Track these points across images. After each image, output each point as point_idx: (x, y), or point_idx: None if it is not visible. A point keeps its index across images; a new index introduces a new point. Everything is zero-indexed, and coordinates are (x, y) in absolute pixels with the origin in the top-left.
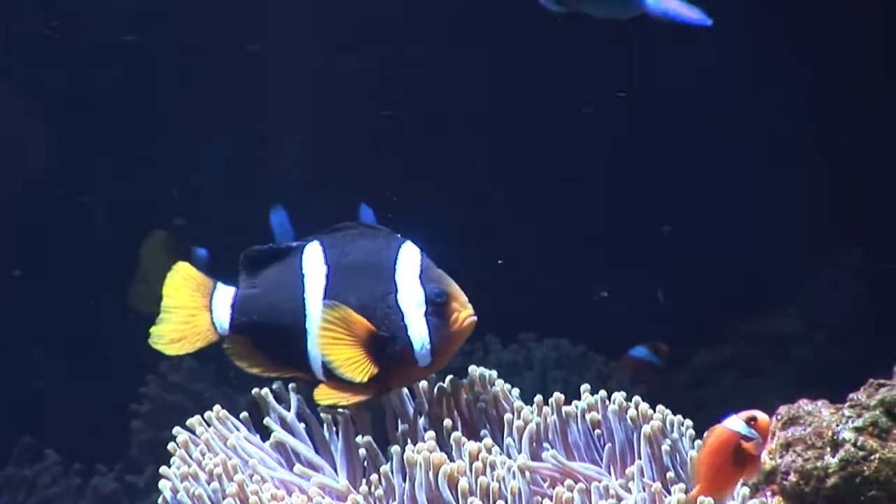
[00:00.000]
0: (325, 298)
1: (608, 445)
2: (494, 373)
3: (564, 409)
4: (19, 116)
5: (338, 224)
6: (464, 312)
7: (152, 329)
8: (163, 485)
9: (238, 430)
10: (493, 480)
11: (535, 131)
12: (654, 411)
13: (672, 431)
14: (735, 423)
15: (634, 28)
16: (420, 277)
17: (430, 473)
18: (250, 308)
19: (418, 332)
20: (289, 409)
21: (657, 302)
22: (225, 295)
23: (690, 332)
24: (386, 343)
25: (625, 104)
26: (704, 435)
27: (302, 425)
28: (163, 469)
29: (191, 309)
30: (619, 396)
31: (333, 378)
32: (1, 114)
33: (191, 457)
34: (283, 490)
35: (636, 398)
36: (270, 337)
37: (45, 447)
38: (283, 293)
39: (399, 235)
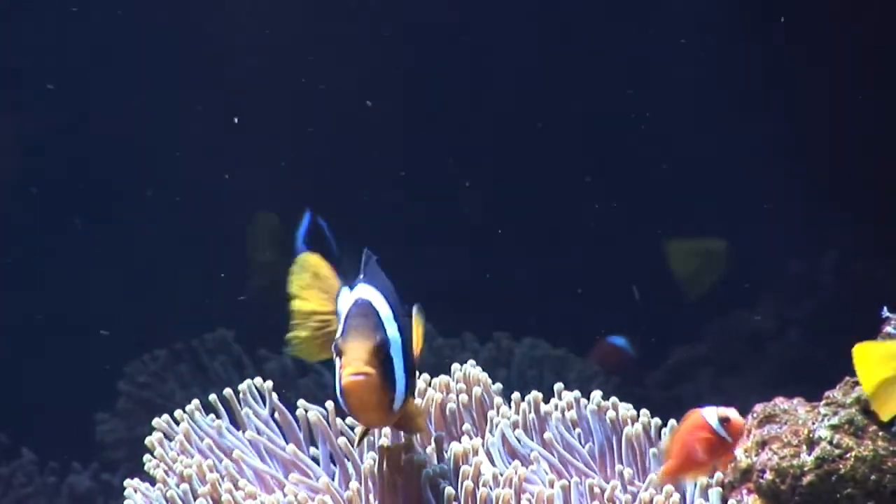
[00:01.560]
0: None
1: (587, 444)
2: (478, 370)
3: (542, 407)
4: None
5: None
6: (346, 369)
7: (290, 335)
8: (131, 483)
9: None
10: (480, 486)
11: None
12: (636, 412)
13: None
14: (711, 415)
15: None
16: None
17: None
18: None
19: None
20: (263, 406)
21: (633, 300)
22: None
23: (666, 329)
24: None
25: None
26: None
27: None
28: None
29: (324, 315)
30: (597, 395)
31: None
32: None
33: (167, 454)
34: (258, 487)
35: (613, 399)
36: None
37: (20, 445)
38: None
39: (362, 275)
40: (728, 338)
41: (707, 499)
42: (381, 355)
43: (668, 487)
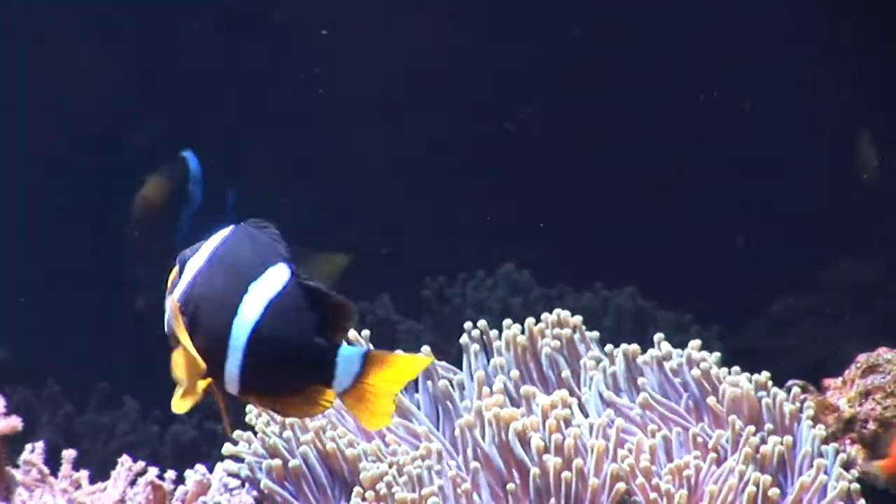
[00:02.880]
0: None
1: (686, 395)
2: (578, 318)
3: (640, 358)
4: None
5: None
6: None
7: None
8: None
9: None
10: (568, 437)
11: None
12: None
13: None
14: None
15: None
16: None
17: (501, 431)
18: None
19: None
20: None
21: (736, 249)
22: None
23: (770, 279)
24: None
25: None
26: None
27: None
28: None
29: None
30: (695, 344)
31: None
32: None
33: None
34: (360, 435)
35: (716, 354)
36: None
37: (122, 394)
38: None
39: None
40: (832, 288)
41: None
42: None
43: (788, 438)
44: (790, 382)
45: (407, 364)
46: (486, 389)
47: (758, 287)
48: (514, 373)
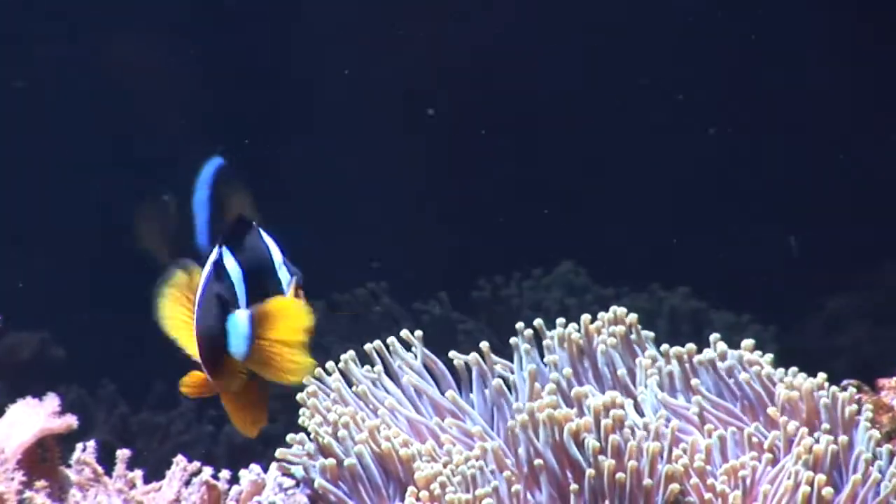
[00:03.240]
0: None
1: (740, 397)
2: (634, 316)
3: (696, 357)
4: None
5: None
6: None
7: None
8: (290, 438)
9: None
10: (622, 438)
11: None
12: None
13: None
14: None
15: None
16: (285, 263)
17: (555, 431)
18: None
19: None
20: (415, 358)
21: (790, 249)
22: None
23: (823, 279)
24: None
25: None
26: None
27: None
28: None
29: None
30: (748, 344)
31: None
32: None
33: (320, 404)
34: (412, 436)
35: (769, 355)
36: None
37: (178, 393)
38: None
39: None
40: (886, 288)
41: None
42: None
43: (843, 438)
44: (845, 382)
45: (284, 307)
46: (538, 388)
47: (812, 287)
48: (567, 370)
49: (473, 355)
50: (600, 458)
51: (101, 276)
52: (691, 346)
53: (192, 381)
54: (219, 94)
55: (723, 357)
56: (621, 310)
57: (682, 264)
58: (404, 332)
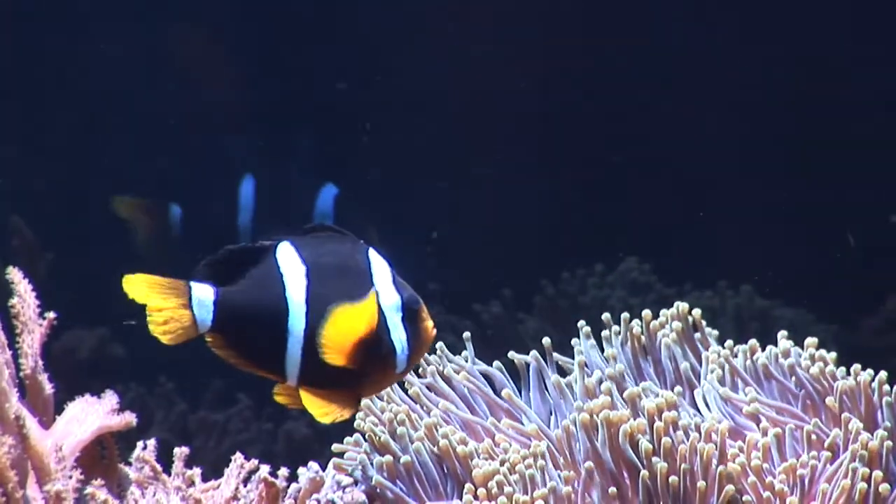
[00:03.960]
0: (307, 298)
1: (802, 394)
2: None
3: (757, 354)
4: None
5: (306, 226)
6: (430, 322)
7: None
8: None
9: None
10: (675, 441)
11: None
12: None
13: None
14: None
15: None
16: (394, 283)
17: (611, 433)
18: (233, 305)
19: (398, 337)
20: (467, 360)
21: (847, 246)
22: (205, 293)
23: (881, 275)
24: (371, 343)
25: None
26: None
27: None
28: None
29: (169, 310)
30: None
31: (307, 385)
32: None
33: (374, 405)
34: (468, 434)
35: (832, 354)
36: (249, 335)
37: (236, 391)
38: (262, 292)
39: (362, 241)
40: None
41: None
42: None
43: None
44: None
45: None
46: (591, 386)
47: (871, 285)
48: (619, 366)
49: (533, 353)
50: (654, 459)
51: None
52: (753, 342)
53: (284, 390)
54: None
55: (785, 354)
56: (684, 305)
57: (744, 262)
58: (466, 334)
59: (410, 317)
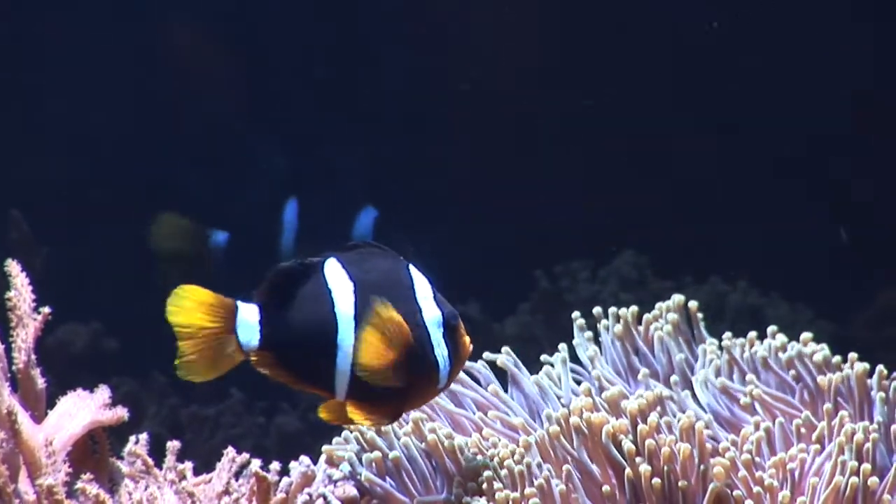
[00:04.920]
0: (356, 313)
1: (798, 388)
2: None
3: (755, 348)
4: None
5: (349, 243)
6: (467, 337)
7: (177, 362)
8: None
9: None
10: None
11: None
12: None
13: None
14: None
15: None
16: (435, 299)
17: (592, 436)
18: (279, 324)
19: (441, 353)
20: None
21: (840, 240)
22: (250, 313)
23: (875, 269)
24: (415, 359)
25: None
26: None
27: None
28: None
29: (213, 334)
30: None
31: (354, 399)
32: None
33: None
34: (455, 429)
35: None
36: (298, 351)
37: (228, 386)
38: (311, 308)
39: (401, 258)
40: None
41: None
42: None
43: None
44: None
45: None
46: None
47: (862, 278)
48: (607, 371)
49: (505, 350)
50: (637, 459)
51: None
52: (753, 334)
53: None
54: None
55: (783, 348)
56: (678, 297)
57: (738, 257)
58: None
59: (451, 332)
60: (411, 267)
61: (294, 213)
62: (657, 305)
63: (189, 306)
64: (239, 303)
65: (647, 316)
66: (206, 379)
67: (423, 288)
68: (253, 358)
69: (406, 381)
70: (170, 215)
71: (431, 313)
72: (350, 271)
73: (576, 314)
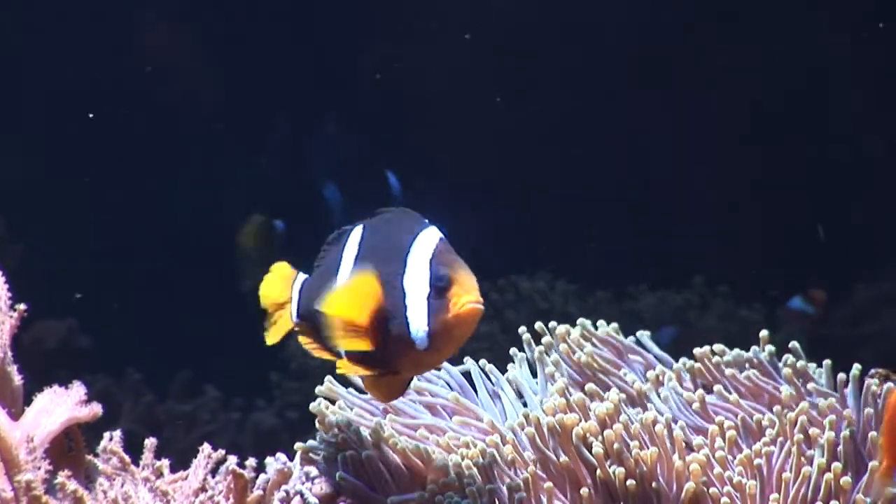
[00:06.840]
0: None
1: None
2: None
3: (719, 357)
4: None
5: (383, 208)
6: (465, 297)
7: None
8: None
9: None
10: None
11: None
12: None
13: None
14: None
15: None
16: (431, 261)
17: (563, 437)
18: (307, 293)
19: (416, 314)
20: None
21: (817, 237)
22: (298, 284)
23: (851, 266)
24: (386, 321)
25: None
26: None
27: None
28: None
29: (280, 302)
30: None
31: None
32: None
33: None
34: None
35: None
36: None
37: (204, 382)
38: (326, 276)
39: (426, 220)
40: None
41: None
42: None
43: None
44: (873, 371)
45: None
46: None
47: (839, 275)
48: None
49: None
50: (608, 462)
51: (128, 264)
52: (720, 347)
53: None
54: None
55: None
56: (611, 326)
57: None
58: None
59: (437, 294)
60: (427, 229)
61: (335, 192)
62: (600, 323)
63: (271, 278)
64: (299, 274)
65: (596, 332)
66: (275, 341)
67: (421, 251)
68: (296, 328)
69: (383, 344)
70: (257, 216)
71: (415, 275)
72: (364, 236)
73: (522, 329)
